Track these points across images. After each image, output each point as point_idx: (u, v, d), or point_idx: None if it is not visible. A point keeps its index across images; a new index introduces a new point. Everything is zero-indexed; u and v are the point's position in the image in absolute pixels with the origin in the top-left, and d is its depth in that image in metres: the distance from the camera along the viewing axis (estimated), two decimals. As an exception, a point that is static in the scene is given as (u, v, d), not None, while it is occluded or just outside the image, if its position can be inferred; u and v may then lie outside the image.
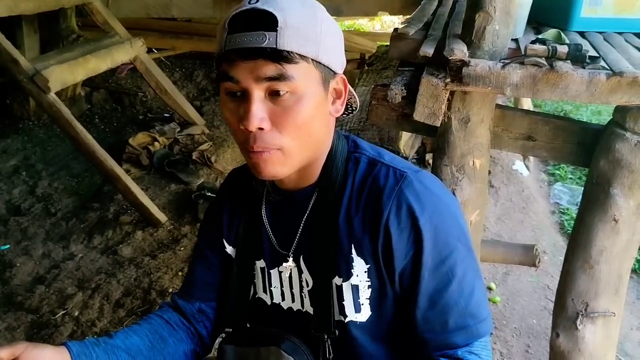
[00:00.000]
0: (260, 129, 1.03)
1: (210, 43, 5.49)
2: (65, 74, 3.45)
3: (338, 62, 1.12)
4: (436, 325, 1.12)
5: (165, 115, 4.89)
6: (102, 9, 4.08)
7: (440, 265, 1.11)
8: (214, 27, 5.45)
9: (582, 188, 3.94)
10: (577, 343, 1.78)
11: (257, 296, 1.32)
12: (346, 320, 1.20)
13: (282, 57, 0.99)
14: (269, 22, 0.99)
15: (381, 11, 4.81)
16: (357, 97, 1.26)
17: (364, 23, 8.32)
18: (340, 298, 1.19)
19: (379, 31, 7.93)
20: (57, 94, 3.37)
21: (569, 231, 3.71)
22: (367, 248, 1.14)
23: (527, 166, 4.38)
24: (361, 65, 4.92)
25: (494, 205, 3.80)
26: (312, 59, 1.04)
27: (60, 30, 4.70)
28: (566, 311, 1.79)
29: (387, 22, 8.26)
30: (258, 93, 1.02)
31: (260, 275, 1.30)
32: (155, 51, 5.57)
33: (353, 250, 1.15)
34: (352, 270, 1.16)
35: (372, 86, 1.87)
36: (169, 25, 5.73)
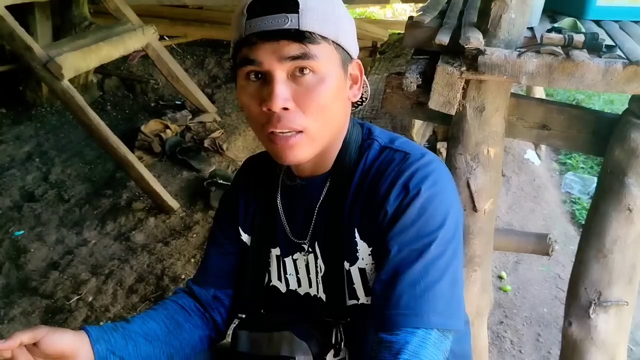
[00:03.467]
0: (285, 109, 1.04)
1: (222, 30, 5.48)
2: (78, 61, 3.46)
3: (353, 47, 1.14)
4: (391, 300, 1.06)
5: (176, 102, 4.89)
6: (114, -4, 4.09)
7: (414, 241, 1.07)
8: (225, 15, 5.45)
9: (594, 177, 3.96)
10: (590, 332, 1.78)
11: (271, 284, 1.34)
12: (359, 303, 1.21)
13: (305, 37, 1.01)
14: (290, 4, 1.01)
15: (393, -1, 4.79)
16: (368, 86, 1.27)
17: (375, 10, 8.28)
18: (350, 282, 1.20)
19: (390, 19, 7.89)
20: (70, 81, 3.38)
21: (580, 220, 3.71)
22: (369, 230, 1.15)
23: (538, 155, 4.36)
24: (373, 53, 4.90)
25: (505, 194, 3.80)
26: (332, 41, 1.06)
27: (72, 17, 4.71)
28: (579, 300, 1.79)
29: (399, 10, 8.21)
30: (281, 73, 1.03)
31: (275, 263, 1.31)
32: (167, 38, 5.57)
33: (356, 234, 1.17)
34: (357, 254, 1.18)
35: (387, 74, 1.87)
36: (181, 12, 5.73)
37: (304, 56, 1.02)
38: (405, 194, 1.09)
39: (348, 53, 1.11)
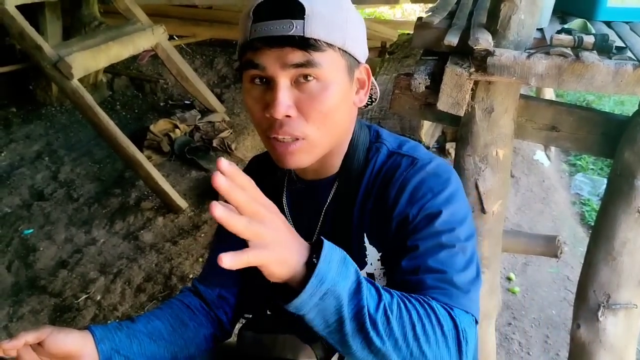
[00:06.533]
0: (287, 116, 1.03)
1: (231, 30, 5.49)
2: (87, 61, 3.48)
3: (362, 51, 1.13)
4: (412, 283, 1.02)
5: (185, 102, 4.91)
6: (124, -4, 4.10)
7: (435, 236, 1.05)
8: (234, 14, 5.46)
9: (604, 179, 3.94)
10: (598, 334, 1.77)
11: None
12: None
13: (309, 44, 1.00)
14: (296, 10, 0.99)
15: (403, -1, 4.78)
16: (377, 87, 1.26)
17: (384, 11, 8.27)
18: None
19: (399, 19, 7.87)
20: (80, 80, 3.40)
21: (589, 222, 3.69)
22: (378, 235, 1.14)
23: (548, 156, 4.34)
24: (382, 53, 4.89)
25: (514, 195, 3.78)
26: (338, 48, 1.04)
27: (82, 16, 4.74)
28: (587, 302, 1.78)
29: (408, 10, 8.19)
30: (284, 80, 1.02)
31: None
32: (176, 38, 5.58)
33: (365, 239, 1.16)
34: (366, 259, 1.17)
35: (395, 75, 1.87)
36: (190, 12, 5.74)
37: (307, 64, 1.01)
38: (417, 199, 1.08)
39: (355, 58, 1.10)
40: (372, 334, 0.86)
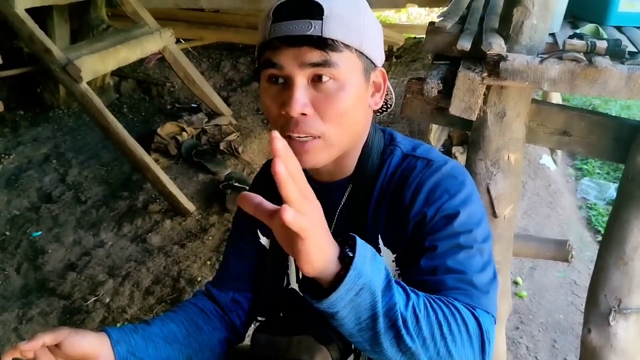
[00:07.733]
0: (303, 114, 1.04)
1: (238, 34, 5.50)
2: (96, 64, 3.49)
3: (378, 55, 1.14)
4: (431, 283, 1.03)
5: (192, 105, 4.91)
6: (132, -1, 4.12)
7: (452, 238, 1.05)
8: (241, 18, 5.47)
9: (610, 183, 3.93)
10: (609, 339, 1.78)
11: (289, 287, 1.33)
12: None
13: (327, 44, 1.01)
14: (314, 10, 1.01)
15: (410, 3, 4.77)
16: (393, 92, 1.27)
17: (390, 14, 8.27)
18: None
19: (405, 23, 7.88)
20: (87, 83, 3.41)
21: (596, 226, 3.69)
22: (393, 237, 1.15)
23: (554, 160, 4.34)
24: (389, 57, 4.90)
25: (520, 199, 3.78)
26: (355, 49, 1.06)
27: (90, 20, 4.74)
28: (599, 307, 1.78)
29: (414, 14, 8.20)
30: (301, 79, 1.03)
31: (293, 266, 1.31)
32: (183, 41, 5.59)
33: (380, 241, 1.16)
34: None
35: (406, 79, 1.88)
36: (197, 15, 5.74)
37: (325, 63, 1.02)
38: (433, 200, 1.09)
39: (372, 61, 1.11)
40: (403, 331, 0.86)
